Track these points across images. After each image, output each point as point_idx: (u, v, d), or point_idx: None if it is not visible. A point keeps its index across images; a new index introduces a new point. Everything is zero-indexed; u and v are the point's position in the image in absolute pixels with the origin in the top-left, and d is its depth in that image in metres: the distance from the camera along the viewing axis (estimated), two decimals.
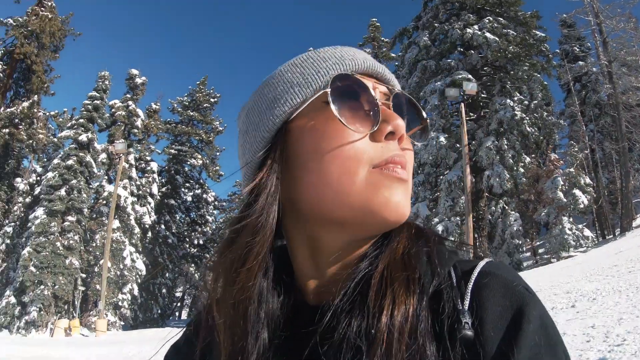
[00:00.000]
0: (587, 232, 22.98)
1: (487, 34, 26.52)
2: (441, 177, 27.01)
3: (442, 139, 25.91)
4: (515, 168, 24.24)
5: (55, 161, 27.64)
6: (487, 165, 24.49)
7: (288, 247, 0.71)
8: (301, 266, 0.69)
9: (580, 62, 30.31)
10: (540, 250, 28.77)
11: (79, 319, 25.57)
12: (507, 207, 24.45)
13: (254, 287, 0.63)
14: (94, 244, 28.72)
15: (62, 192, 26.47)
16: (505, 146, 24.40)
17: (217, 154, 41.91)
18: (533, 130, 25.15)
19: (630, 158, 26.74)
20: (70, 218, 26.68)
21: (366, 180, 0.60)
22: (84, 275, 27.58)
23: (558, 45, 32.88)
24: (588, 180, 23.84)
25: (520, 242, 23.92)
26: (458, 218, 24.58)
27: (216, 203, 44.68)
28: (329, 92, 0.61)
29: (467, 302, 0.57)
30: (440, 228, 23.84)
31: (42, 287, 24.79)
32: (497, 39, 26.32)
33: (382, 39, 39.65)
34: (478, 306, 0.56)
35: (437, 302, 0.58)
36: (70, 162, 27.13)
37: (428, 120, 0.70)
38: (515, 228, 23.57)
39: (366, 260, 0.63)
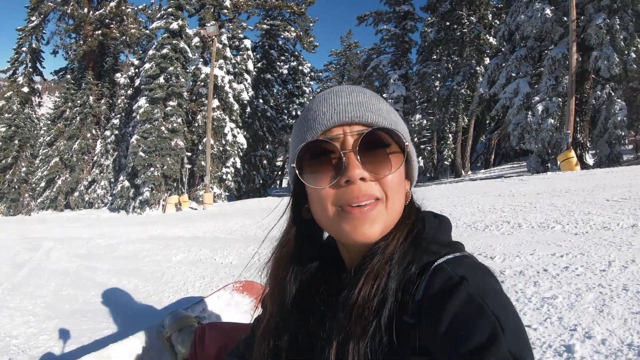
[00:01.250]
0: None
1: None
2: (545, 52, 24.60)
3: (547, 11, 23.11)
4: (626, 52, 21.31)
5: (150, 52, 28.20)
6: (596, 44, 21.60)
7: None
8: (342, 251, 0.99)
9: None
10: None
11: (188, 194, 27.57)
12: (613, 94, 22.18)
13: (289, 265, 1.00)
14: (196, 124, 30.04)
15: (161, 79, 27.33)
16: (618, 26, 21.27)
17: (311, 24, 40.24)
18: None
19: None
20: (171, 103, 27.83)
21: (333, 216, 0.85)
22: (189, 154, 29.21)
23: None
24: None
25: (623, 133, 21.99)
26: (560, 99, 22.80)
27: (312, 74, 44.27)
28: (295, 167, 0.87)
29: (418, 294, 0.78)
30: (540, 108, 22.59)
31: (151, 169, 26.91)
32: None
33: None
34: (425, 298, 0.78)
35: (405, 291, 0.81)
36: (164, 51, 27.63)
37: (407, 145, 0.86)
38: (619, 118, 21.58)
39: (369, 253, 0.86)
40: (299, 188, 0.93)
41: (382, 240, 0.85)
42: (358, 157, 0.81)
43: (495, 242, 5.98)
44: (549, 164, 22.89)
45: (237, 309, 2.90)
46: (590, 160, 23.18)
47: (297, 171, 0.85)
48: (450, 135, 33.43)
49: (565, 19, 23.56)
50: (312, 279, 0.98)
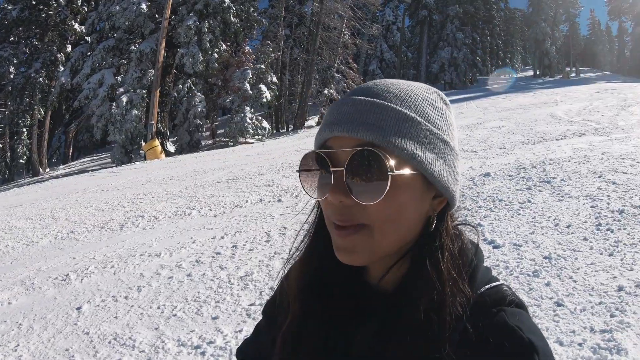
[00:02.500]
0: (265, 124, 24.89)
1: None
2: (133, 46, 25.09)
3: (143, 5, 23.96)
4: (210, 52, 24.20)
5: None
6: (184, 43, 23.80)
7: None
8: None
9: None
10: (219, 132, 30.28)
11: None
12: (194, 88, 24.53)
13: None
14: None
15: None
16: (206, 29, 24.02)
17: None
18: (236, 20, 25.40)
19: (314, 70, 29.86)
20: None
21: (330, 229, 0.78)
22: None
23: None
24: (275, 79, 25.76)
25: (201, 122, 24.50)
26: (144, 91, 23.54)
27: None
28: (299, 174, 0.82)
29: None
30: (125, 99, 22.56)
31: None
32: None
33: None
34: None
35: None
36: None
37: (390, 175, 0.72)
38: (199, 109, 23.96)
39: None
40: None
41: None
42: (345, 178, 0.74)
43: (146, 239, 6.17)
44: (132, 154, 23.11)
45: None
46: (171, 147, 24.58)
47: (299, 177, 0.82)
48: (25, 130, 29.53)
49: (157, 15, 24.72)
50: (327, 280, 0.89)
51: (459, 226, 0.87)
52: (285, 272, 0.96)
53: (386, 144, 0.72)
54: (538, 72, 55.58)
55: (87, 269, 5.22)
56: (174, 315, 3.95)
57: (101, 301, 4.37)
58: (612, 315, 3.19)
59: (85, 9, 30.62)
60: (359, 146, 0.72)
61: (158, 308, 4.10)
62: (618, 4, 65.36)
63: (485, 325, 0.71)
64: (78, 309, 4.24)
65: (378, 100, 0.75)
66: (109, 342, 3.64)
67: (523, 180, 6.83)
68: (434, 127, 0.77)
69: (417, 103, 0.77)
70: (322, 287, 0.86)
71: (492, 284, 0.79)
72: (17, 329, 4.04)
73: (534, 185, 6.49)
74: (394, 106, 0.75)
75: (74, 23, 29.77)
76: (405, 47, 48.18)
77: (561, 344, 2.96)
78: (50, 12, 28.88)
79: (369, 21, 32.41)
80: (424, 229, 0.80)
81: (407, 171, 0.73)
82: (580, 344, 2.93)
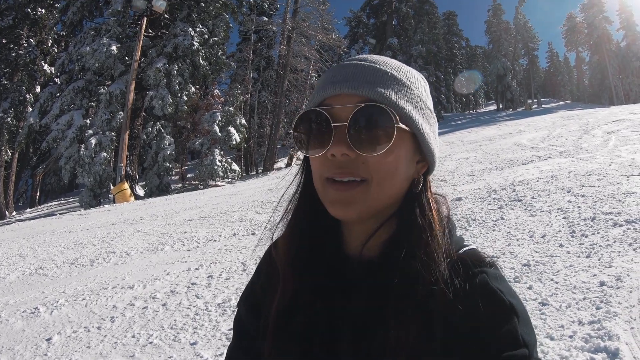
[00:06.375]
0: (234, 166, 25.14)
1: None
2: (103, 88, 25.12)
3: (113, 47, 23.91)
4: (179, 94, 24.50)
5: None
6: (153, 85, 24.01)
7: None
8: (343, 230, 0.93)
9: (265, 18, 33.30)
10: (189, 175, 30.29)
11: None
12: (163, 130, 24.69)
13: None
14: None
15: None
16: (175, 72, 24.35)
17: None
18: (205, 63, 25.79)
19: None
20: None
21: (322, 186, 0.82)
22: None
23: None
24: (244, 121, 26.15)
25: (171, 165, 24.49)
26: (114, 133, 23.54)
27: None
28: (294, 134, 0.85)
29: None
30: (93, 141, 22.58)
31: None
32: None
33: None
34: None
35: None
36: None
37: (396, 127, 0.79)
38: (168, 152, 24.03)
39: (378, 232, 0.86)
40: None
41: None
42: (348, 132, 0.79)
43: (118, 273, 6.15)
44: (101, 198, 22.87)
45: None
46: (140, 191, 24.39)
47: (293, 136, 0.86)
48: None
49: (127, 58, 24.90)
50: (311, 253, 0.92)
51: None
52: (270, 247, 1.01)
53: (389, 103, 0.80)
54: (501, 106, 57.48)
55: (57, 301, 5.12)
56: (150, 342, 3.87)
57: (72, 332, 4.27)
58: (597, 308, 3.33)
59: (56, 49, 30.62)
60: (362, 102, 0.79)
61: (133, 337, 4.02)
62: (574, 35, 68.12)
63: (470, 284, 0.77)
64: (48, 340, 4.14)
65: (378, 66, 0.83)
66: None
67: (494, 201, 7.08)
68: (423, 96, 0.87)
69: (409, 75, 0.86)
70: (309, 261, 0.90)
71: (469, 247, 0.87)
72: None
73: (506, 205, 6.76)
74: (393, 73, 0.84)
75: (43, 63, 29.69)
76: None
77: (552, 338, 3.05)
78: (21, 52, 28.81)
79: (335, 63, 33.12)
80: (408, 191, 0.87)
81: (406, 127, 0.81)
82: (571, 336, 3.04)
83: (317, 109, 0.81)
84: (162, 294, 5.01)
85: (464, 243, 0.89)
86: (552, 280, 3.91)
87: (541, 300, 3.58)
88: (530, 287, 3.82)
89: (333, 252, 0.92)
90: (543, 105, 56.84)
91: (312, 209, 0.92)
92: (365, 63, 0.84)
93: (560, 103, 63.63)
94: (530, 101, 57.27)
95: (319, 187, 0.84)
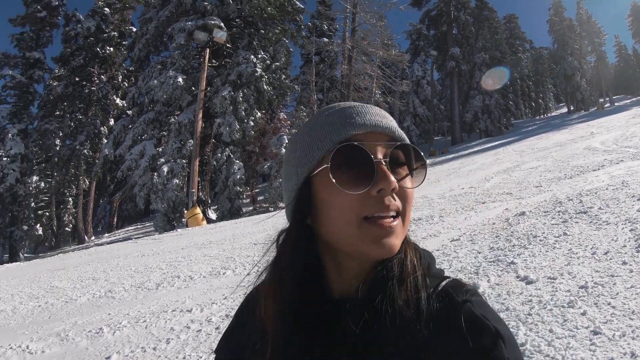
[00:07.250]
0: None
1: None
2: (172, 117, 26.13)
3: (179, 79, 24.88)
4: (246, 120, 24.99)
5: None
6: (220, 113, 24.66)
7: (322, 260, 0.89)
8: (330, 273, 0.88)
9: (325, 39, 33.56)
10: (259, 198, 30.69)
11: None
12: (232, 156, 25.11)
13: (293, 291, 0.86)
14: None
15: None
16: (241, 98, 24.87)
17: None
18: (269, 88, 26.23)
19: None
20: None
21: (358, 227, 0.78)
22: None
23: (310, 19, 35.65)
24: None
25: (241, 189, 24.88)
26: (185, 160, 24.35)
27: None
28: (329, 167, 0.79)
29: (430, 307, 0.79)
30: (165, 169, 23.46)
31: None
32: None
33: None
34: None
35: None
36: None
37: (427, 161, 0.86)
38: (238, 176, 24.41)
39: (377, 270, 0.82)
40: (305, 195, 0.87)
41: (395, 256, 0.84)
42: (390, 168, 0.80)
43: (180, 296, 6.31)
44: (174, 222, 23.53)
45: None
46: (213, 215, 24.87)
47: (329, 172, 0.80)
48: (70, 199, 30.79)
49: (193, 88, 25.67)
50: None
51: None
52: (251, 294, 1.01)
53: (410, 143, 0.85)
54: (572, 108, 54.92)
55: (120, 323, 5.43)
56: None
57: (130, 351, 4.55)
58: None
59: (126, 84, 32.13)
60: (392, 141, 0.82)
61: (184, 358, 4.22)
62: None
63: (455, 316, 0.76)
64: (107, 358, 4.44)
65: (381, 111, 0.86)
66: None
67: (559, 214, 6.67)
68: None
69: None
70: (299, 311, 0.85)
71: (450, 278, 0.86)
72: None
73: (570, 218, 6.32)
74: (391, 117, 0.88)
75: (115, 98, 31.28)
76: (437, 99, 48.71)
77: None
78: (93, 88, 30.49)
79: (398, 78, 33.30)
80: None
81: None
82: None
83: (356, 143, 0.79)
84: (217, 318, 5.17)
85: (444, 275, 0.90)
86: (609, 304, 3.52)
87: (593, 328, 3.22)
88: (584, 313, 3.46)
89: (322, 296, 0.88)
90: (616, 103, 54.06)
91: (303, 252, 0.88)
92: (369, 106, 0.86)
93: (634, 99, 59.69)
94: (602, 100, 54.60)
95: (351, 228, 0.79)
